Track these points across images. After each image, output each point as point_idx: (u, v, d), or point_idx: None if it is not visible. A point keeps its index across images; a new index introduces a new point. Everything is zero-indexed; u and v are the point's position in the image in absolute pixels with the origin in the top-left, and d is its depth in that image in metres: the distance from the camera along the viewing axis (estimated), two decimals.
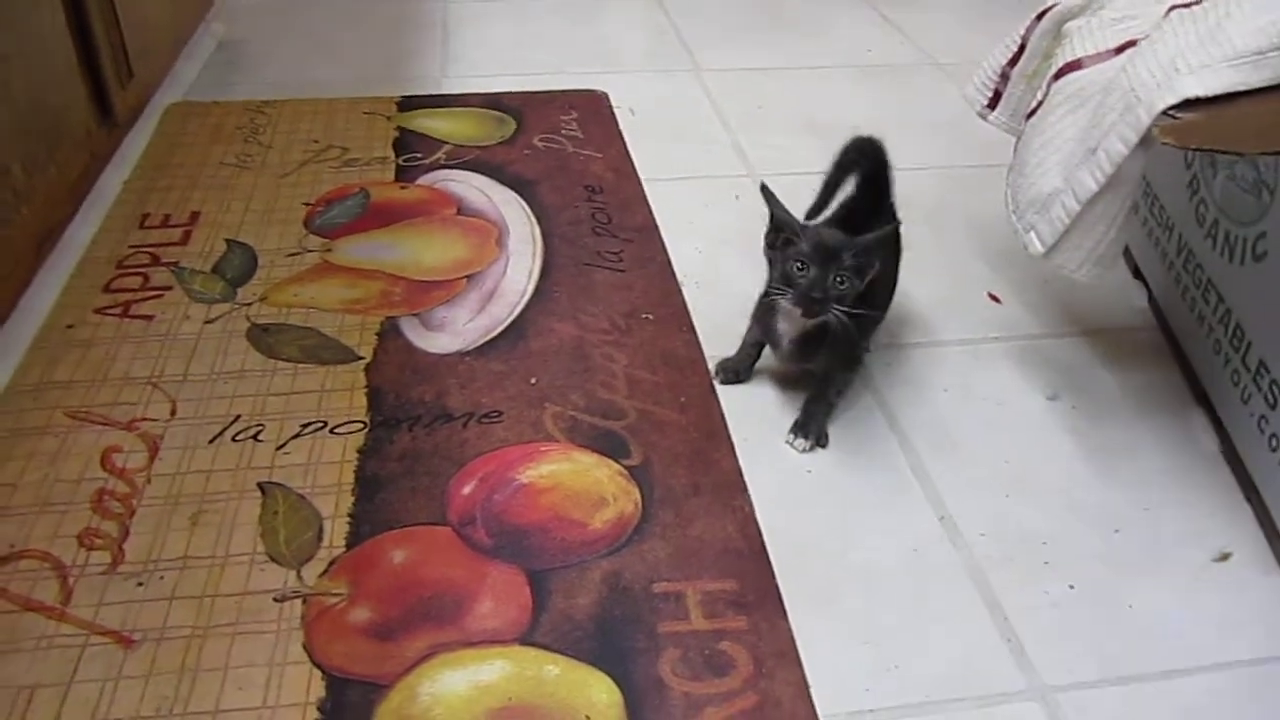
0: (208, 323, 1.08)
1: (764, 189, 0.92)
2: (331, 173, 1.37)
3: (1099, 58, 0.86)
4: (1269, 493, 0.89)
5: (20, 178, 1.00)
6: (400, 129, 1.48)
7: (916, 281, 1.17)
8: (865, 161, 1.00)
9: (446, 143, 1.45)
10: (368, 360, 1.03)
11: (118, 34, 1.25)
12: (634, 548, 0.84)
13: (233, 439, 0.93)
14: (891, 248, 1.02)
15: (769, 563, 0.83)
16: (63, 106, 1.13)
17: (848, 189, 1.01)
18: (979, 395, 1.03)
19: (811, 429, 0.96)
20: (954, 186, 1.40)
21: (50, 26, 1.10)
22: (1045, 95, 0.89)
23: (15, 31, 1.01)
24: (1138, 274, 1.19)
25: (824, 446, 0.96)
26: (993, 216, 1.28)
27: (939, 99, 1.64)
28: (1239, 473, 0.94)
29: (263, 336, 1.06)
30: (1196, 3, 0.82)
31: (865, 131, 1.00)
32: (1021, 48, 1.00)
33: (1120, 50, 0.85)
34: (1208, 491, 0.93)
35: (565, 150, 1.43)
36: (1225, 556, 0.87)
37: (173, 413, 0.96)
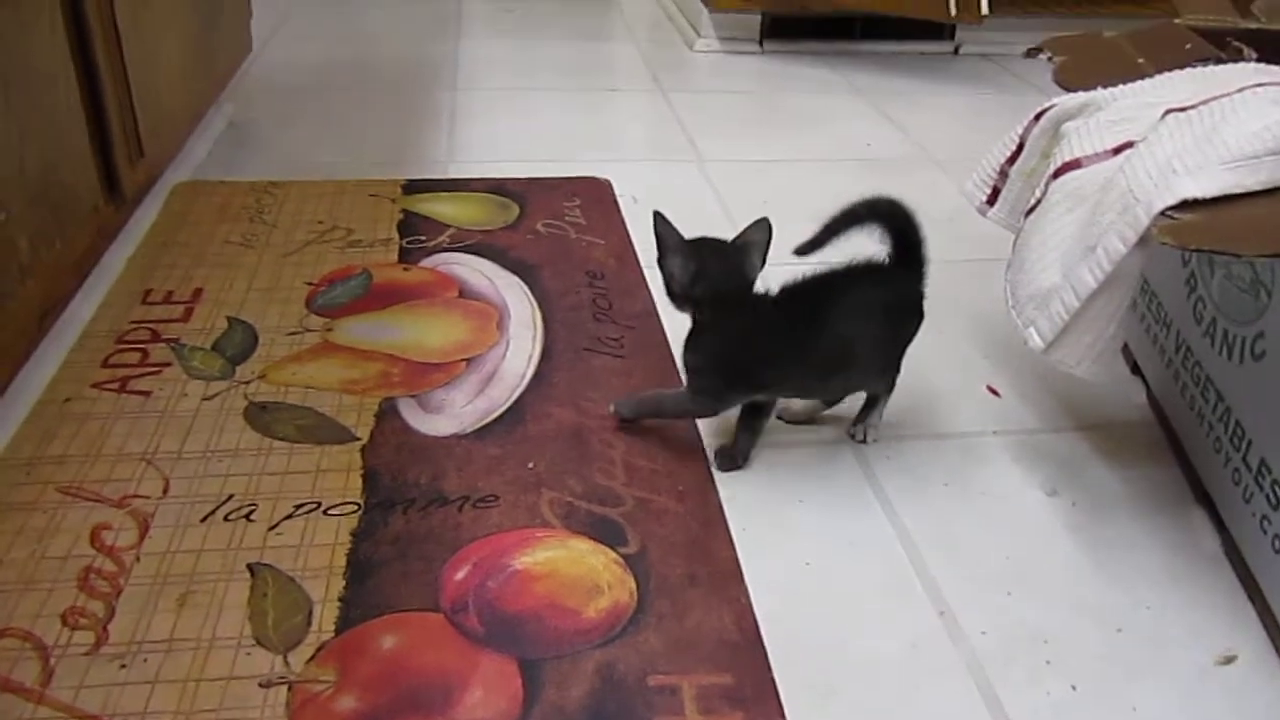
0: (205, 400, 1.08)
1: (656, 215, 0.96)
2: (335, 253, 1.38)
3: (1097, 157, 0.87)
4: (1273, 595, 0.88)
5: (27, 252, 1.01)
6: (405, 211, 1.50)
7: (916, 374, 1.17)
8: (887, 223, 1.00)
9: (450, 226, 1.46)
10: (364, 441, 1.02)
11: (131, 114, 1.27)
12: (629, 638, 0.82)
13: (225, 518, 0.92)
14: (886, 308, 1.01)
15: (766, 656, 0.82)
16: (73, 183, 1.14)
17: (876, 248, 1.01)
18: (979, 489, 1.02)
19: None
20: (952, 280, 1.40)
21: (65, 105, 1.12)
22: (1044, 193, 0.91)
23: (32, 109, 1.03)
24: (1136, 370, 1.19)
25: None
26: (991, 310, 1.29)
27: (936, 194, 1.66)
28: (1241, 573, 0.93)
29: (260, 415, 1.06)
30: (1192, 107, 0.84)
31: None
32: (1020, 146, 1.01)
33: (1118, 151, 0.86)
34: (1210, 591, 0.92)
35: (568, 236, 1.45)
36: (1229, 659, 0.85)
37: (165, 490, 0.95)
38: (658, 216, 0.96)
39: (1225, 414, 0.98)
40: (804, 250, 0.97)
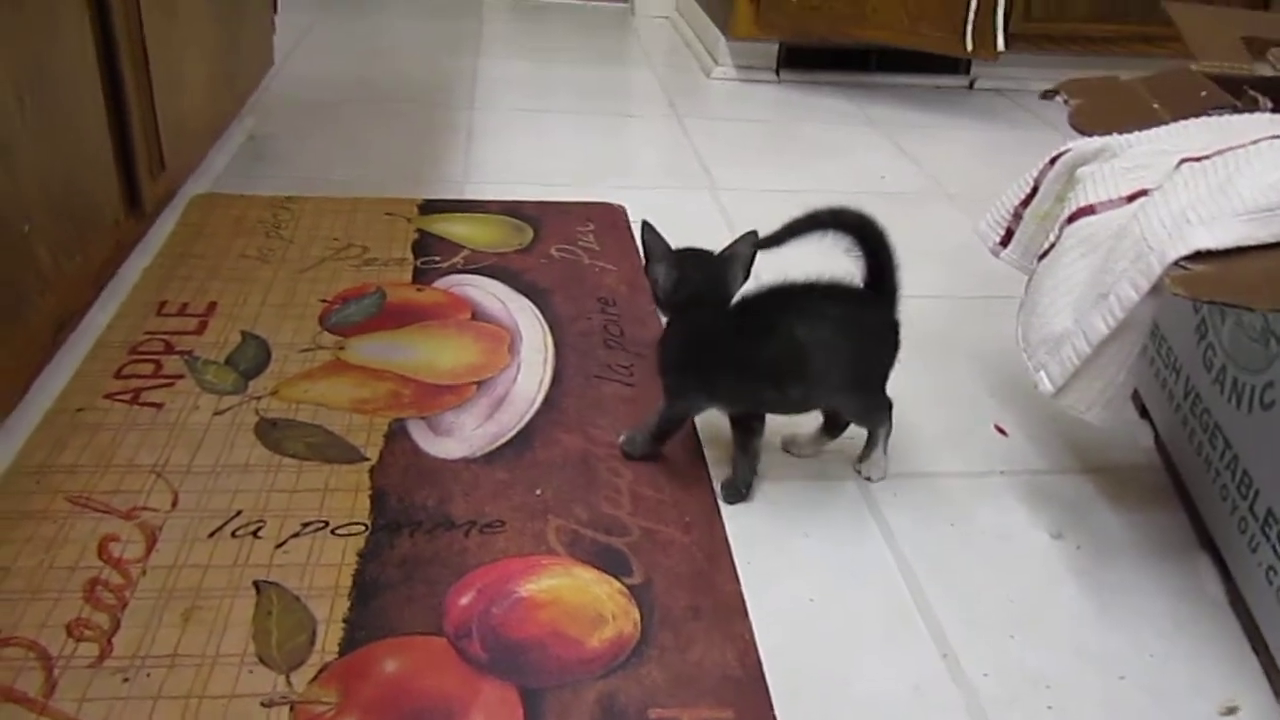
0: (217, 414, 1.08)
1: (644, 225, 0.98)
2: (350, 271, 1.39)
3: (1111, 204, 0.88)
4: (1277, 647, 0.87)
5: (48, 264, 1.02)
6: (420, 231, 1.51)
7: (923, 411, 1.18)
8: (854, 235, 1.00)
9: (465, 247, 1.47)
10: (373, 461, 1.03)
11: (154, 129, 1.29)
12: (631, 670, 0.82)
13: (232, 534, 0.92)
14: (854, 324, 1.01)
15: (767, 693, 0.82)
16: (95, 196, 1.15)
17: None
18: (983, 529, 1.03)
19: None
20: (962, 316, 1.41)
21: (91, 119, 1.13)
22: (1058, 237, 0.91)
23: (59, 123, 1.04)
24: (1144, 414, 1.19)
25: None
26: (1000, 347, 1.30)
27: (949, 228, 1.67)
28: (1245, 623, 0.93)
29: (270, 431, 1.06)
30: (1207, 157, 0.85)
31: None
32: (1034, 189, 1.02)
33: (1132, 198, 0.87)
34: (1213, 640, 0.92)
35: (581, 261, 1.46)
36: (1232, 710, 0.85)
37: (174, 503, 0.96)
38: (645, 226, 0.99)
39: (1233, 462, 0.98)
40: (764, 244, 0.99)
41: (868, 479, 1.07)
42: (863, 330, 1.01)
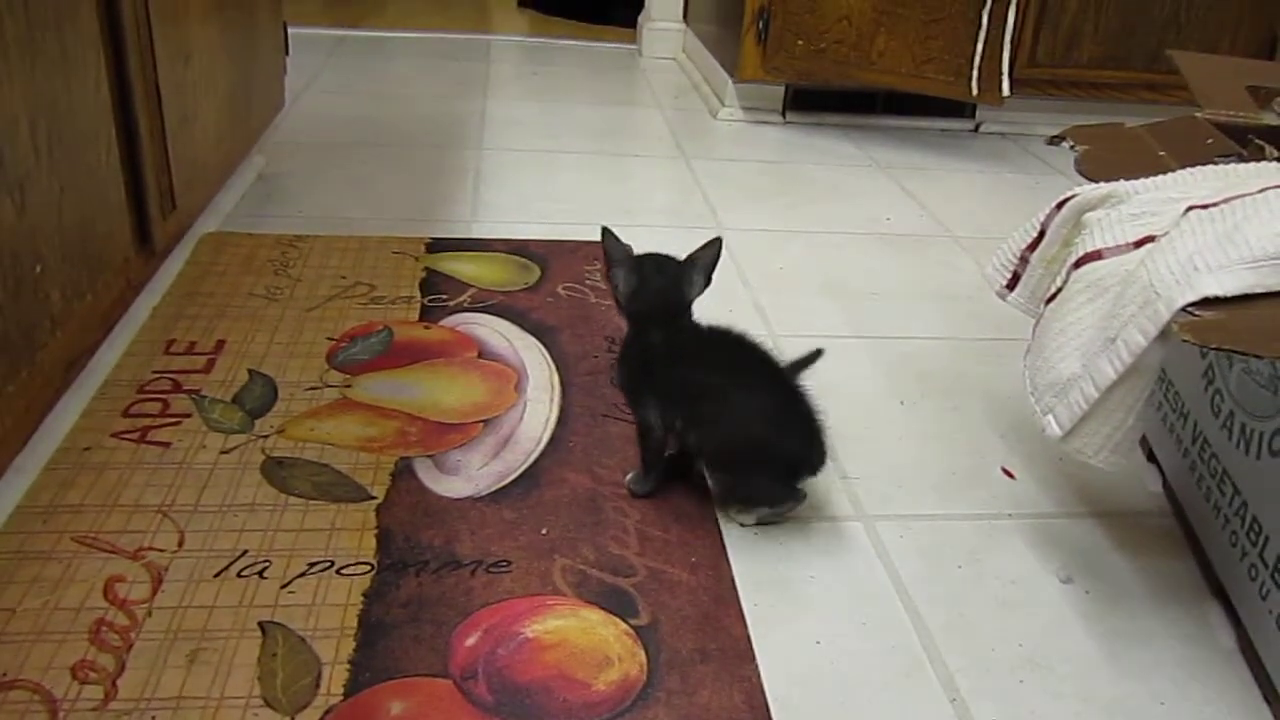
0: (223, 453, 1.08)
1: (604, 230, 1.02)
2: (357, 309, 1.39)
3: (1118, 249, 0.88)
4: None
5: (59, 304, 1.02)
6: (428, 270, 1.52)
7: (930, 452, 1.18)
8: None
9: (472, 286, 1.48)
10: (379, 500, 1.03)
11: (166, 168, 1.30)
12: (638, 713, 0.82)
13: (238, 574, 0.92)
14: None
15: None
16: (106, 236, 1.16)
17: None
18: (992, 573, 1.02)
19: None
20: (968, 358, 1.41)
21: (105, 161, 1.14)
22: (1065, 282, 0.91)
23: (73, 164, 1.05)
24: (1152, 457, 1.19)
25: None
26: (1007, 389, 1.30)
27: (955, 271, 1.68)
28: (1257, 671, 0.92)
29: (277, 470, 1.06)
30: (1214, 204, 0.85)
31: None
32: (1041, 233, 1.02)
33: (1139, 244, 0.87)
34: (1224, 689, 0.91)
35: (587, 300, 1.46)
36: None
37: (180, 543, 0.95)
38: (605, 231, 1.02)
39: (1242, 508, 0.98)
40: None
41: (735, 519, 1.05)
42: (764, 405, 1.01)
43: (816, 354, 1.10)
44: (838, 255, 1.71)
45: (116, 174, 1.17)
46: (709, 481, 1.04)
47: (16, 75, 0.92)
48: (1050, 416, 0.89)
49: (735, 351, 1.05)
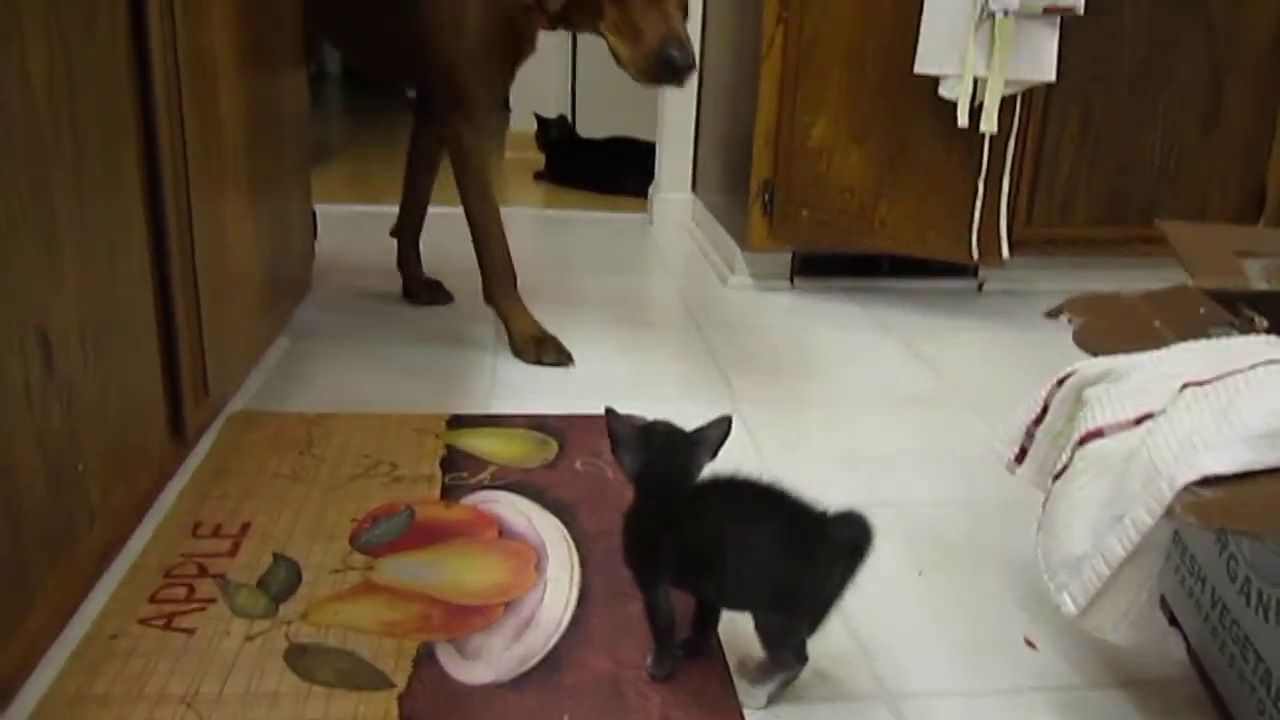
0: (248, 639, 1.09)
1: (608, 411, 1.05)
2: (379, 489, 1.42)
3: (1119, 427, 0.91)
4: None
5: (97, 498, 1.06)
6: (448, 447, 1.55)
7: (949, 624, 1.17)
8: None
9: (491, 463, 1.51)
10: (401, 689, 1.03)
11: (200, 358, 1.35)
12: None
13: None
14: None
15: None
16: (142, 429, 1.20)
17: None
18: None
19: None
20: (985, 523, 1.42)
21: (144, 356, 1.19)
22: (1070, 459, 0.94)
23: (114, 363, 1.10)
24: (1174, 621, 1.19)
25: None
26: (1025, 556, 1.29)
27: (966, 433, 1.70)
28: None
29: (300, 657, 1.07)
30: (1209, 381, 0.88)
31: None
32: (1044, 408, 1.06)
33: (1139, 421, 0.90)
34: None
35: (605, 475, 1.49)
36: None
37: None
38: (609, 412, 1.05)
39: (1266, 676, 0.97)
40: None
41: (743, 701, 1.04)
42: (789, 544, 0.99)
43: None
44: (851, 423, 1.73)
45: (154, 366, 1.22)
46: (759, 636, 1.01)
47: (69, 279, 0.98)
48: (1065, 594, 0.90)
49: (733, 493, 1.05)
